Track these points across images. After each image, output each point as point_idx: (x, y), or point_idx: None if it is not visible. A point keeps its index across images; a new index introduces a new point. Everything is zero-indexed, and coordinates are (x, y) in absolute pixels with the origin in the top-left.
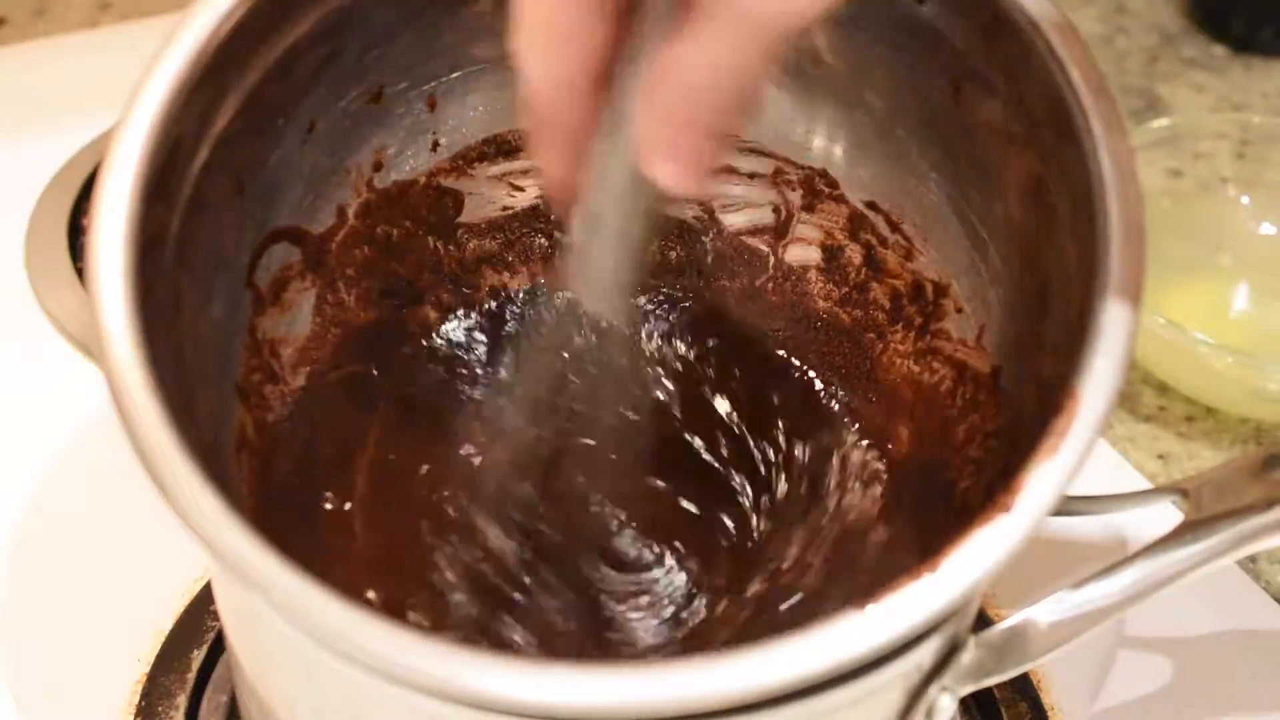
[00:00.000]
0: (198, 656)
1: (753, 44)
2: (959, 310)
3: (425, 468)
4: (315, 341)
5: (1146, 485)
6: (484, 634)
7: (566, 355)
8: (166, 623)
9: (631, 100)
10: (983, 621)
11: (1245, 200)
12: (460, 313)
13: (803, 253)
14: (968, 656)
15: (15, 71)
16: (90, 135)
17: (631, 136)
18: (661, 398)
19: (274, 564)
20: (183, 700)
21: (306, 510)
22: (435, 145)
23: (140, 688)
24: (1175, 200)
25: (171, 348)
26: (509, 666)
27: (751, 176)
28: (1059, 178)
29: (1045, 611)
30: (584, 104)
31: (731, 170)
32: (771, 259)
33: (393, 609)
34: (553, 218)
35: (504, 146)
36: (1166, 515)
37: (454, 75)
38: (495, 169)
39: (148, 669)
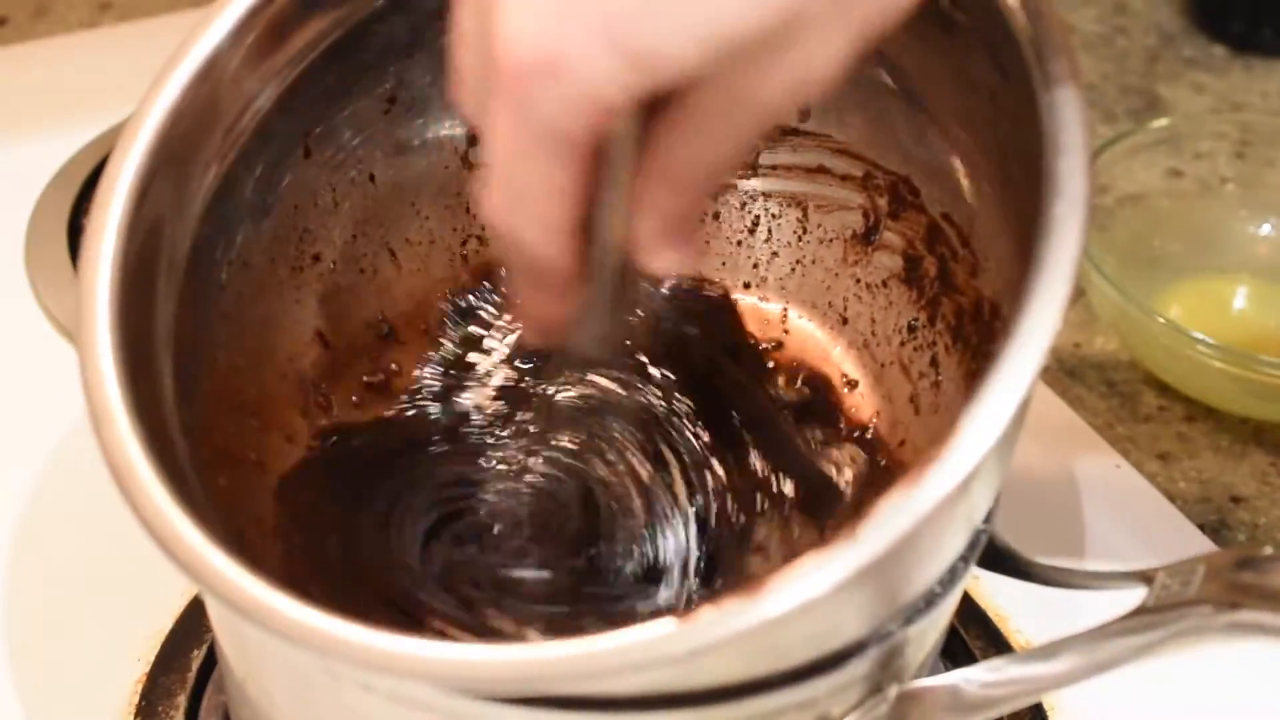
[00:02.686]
0: (198, 656)
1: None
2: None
3: (410, 476)
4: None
5: (1145, 485)
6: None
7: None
8: (166, 623)
9: (613, 197)
10: (995, 634)
11: (1245, 200)
12: (460, 322)
13: (887, 260)
14: (884, 708)
15: (15, 71)
16: (90, 135)
17: (621, 236)
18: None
19: (250, 582)
20: (183, 700)
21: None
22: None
23: (140, 688)
24: (1175, 200)
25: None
26: (472, 655)
27: (845, 178)
28: None
29: (978, 675)
30: (573, 246)
31: (826, 171)
32: None
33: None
34: None
35: None
36: (1171, 521)
37: None
38: None
39: (148, 669)
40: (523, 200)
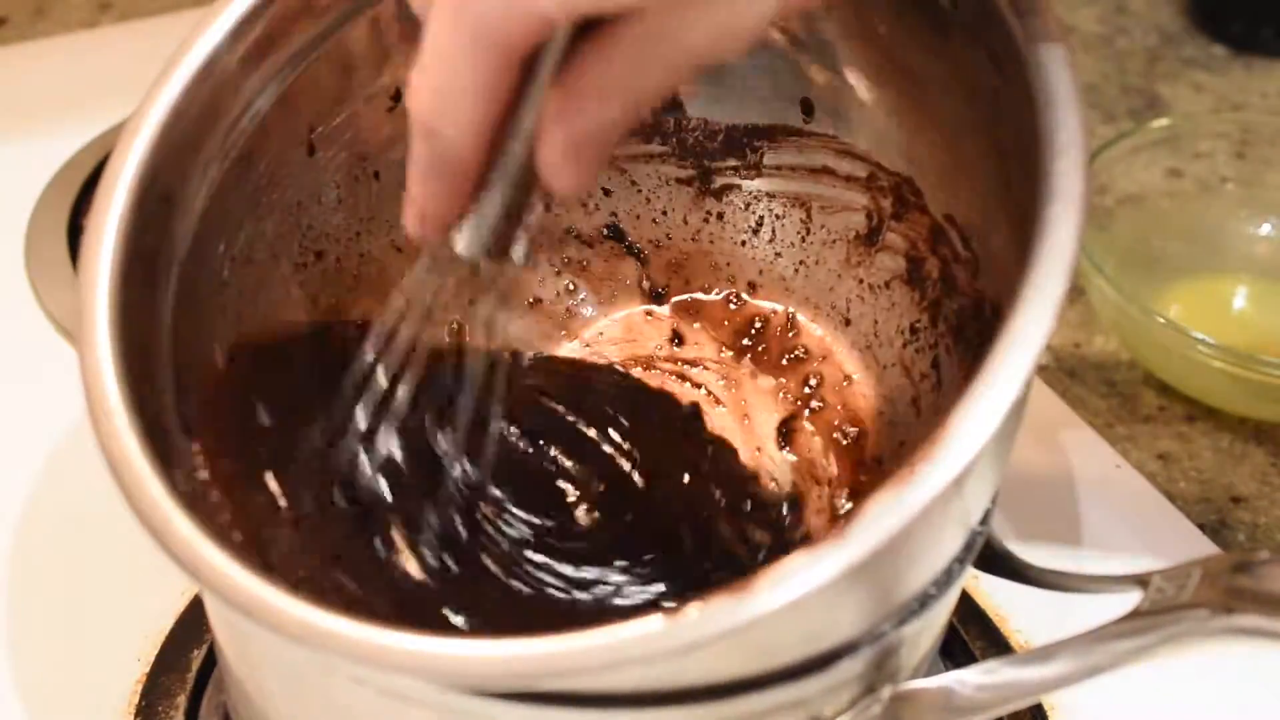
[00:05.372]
0: (198, 656)
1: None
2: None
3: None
4: None
5: (1145, 485)
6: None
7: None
8: (166, 623)
9: (529, 107)
10: (995, 634)
11: (1245, 200)
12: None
13: (890, 262)
14: (877, 709)
15: (15, 71)
16: (90, 135)
17: (528, 144)
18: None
19: (245, 576)
20: (183, 700)
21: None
22: None
23: (140, 688)
24: (1175, 200)
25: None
26: (462, 650)
27: (848, 179)
28: None
29: (972, 678)
30: (484, 145)
31: (830, 172)
32: None
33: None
34: None
35: None
36: (1171, 521)
37: None
38: None
39: (148, 669)
40: (448, 96)
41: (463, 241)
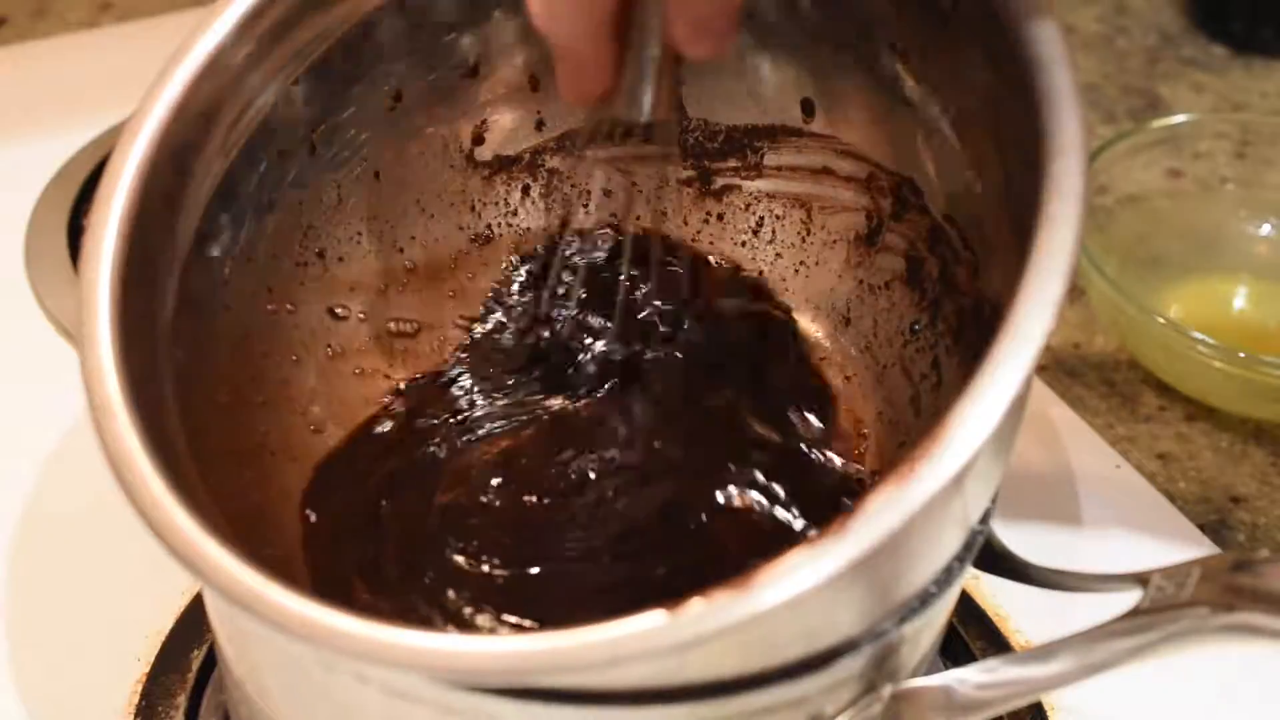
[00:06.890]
0: (198, 656)
1: None
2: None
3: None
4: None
5: (1145, 485)
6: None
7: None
8: (166, 623)
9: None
10: (995, 634)
11: (1245, 200)
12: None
13: (890, 262)
14: (877, 707)
15: (15, 71)
16: (90, 135)
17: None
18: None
19: (246, 573)
20: (183, 700)
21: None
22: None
23: (140, 688)
24: (1175, 200)
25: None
26: (463, 647)
27: (848, 180)
28: None
29: (972, 676)
30: (610, 43)
31: (830, 172)
32: None
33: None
34: None
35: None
36: (1171, 521)
37: None
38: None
39: (148, 669)
40: (554, 6)
41: (624, 105)
